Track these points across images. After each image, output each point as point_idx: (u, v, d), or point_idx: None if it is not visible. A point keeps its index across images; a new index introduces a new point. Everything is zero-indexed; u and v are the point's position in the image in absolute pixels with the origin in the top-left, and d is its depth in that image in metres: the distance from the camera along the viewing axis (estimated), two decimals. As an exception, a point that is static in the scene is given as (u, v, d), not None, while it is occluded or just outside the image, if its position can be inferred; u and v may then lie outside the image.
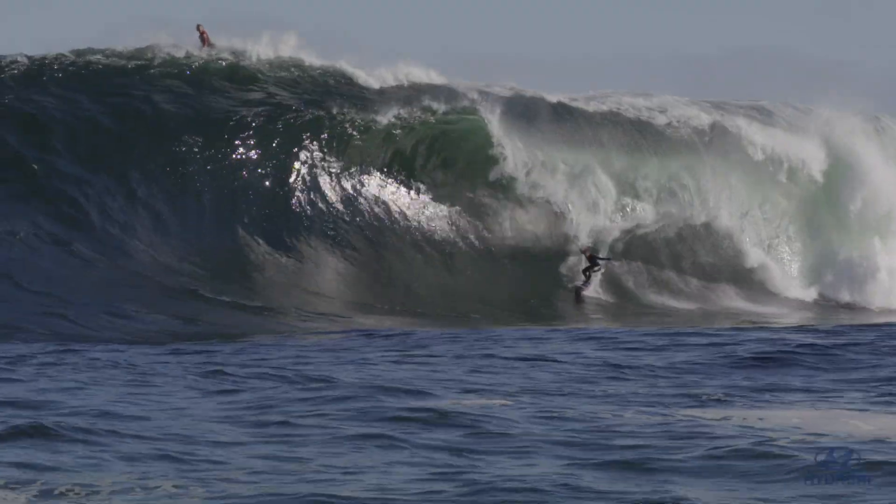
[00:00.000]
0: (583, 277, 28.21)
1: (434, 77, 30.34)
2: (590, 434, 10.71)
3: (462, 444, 10.32)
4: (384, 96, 29.29)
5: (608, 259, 28.65)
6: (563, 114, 31.15)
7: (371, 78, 29.68)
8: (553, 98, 31.43)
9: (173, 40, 29.16)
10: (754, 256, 31.35)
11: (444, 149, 29.23)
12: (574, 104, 31.73)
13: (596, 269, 28.23)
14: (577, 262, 28.47)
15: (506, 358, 15.77)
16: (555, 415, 11.55)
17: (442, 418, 11.22)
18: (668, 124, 32.37)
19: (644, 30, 78.55)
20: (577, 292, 28.04)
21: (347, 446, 10.17)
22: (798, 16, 78.52)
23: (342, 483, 8.99)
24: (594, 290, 28.29)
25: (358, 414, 11.44)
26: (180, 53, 28.90)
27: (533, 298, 27.28)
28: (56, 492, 8.68)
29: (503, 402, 12.31)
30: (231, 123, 27.54)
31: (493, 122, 29.35)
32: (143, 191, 25.84)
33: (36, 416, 10.89)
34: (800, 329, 21.41)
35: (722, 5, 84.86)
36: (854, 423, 11.33)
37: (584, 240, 28.84)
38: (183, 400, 12.22)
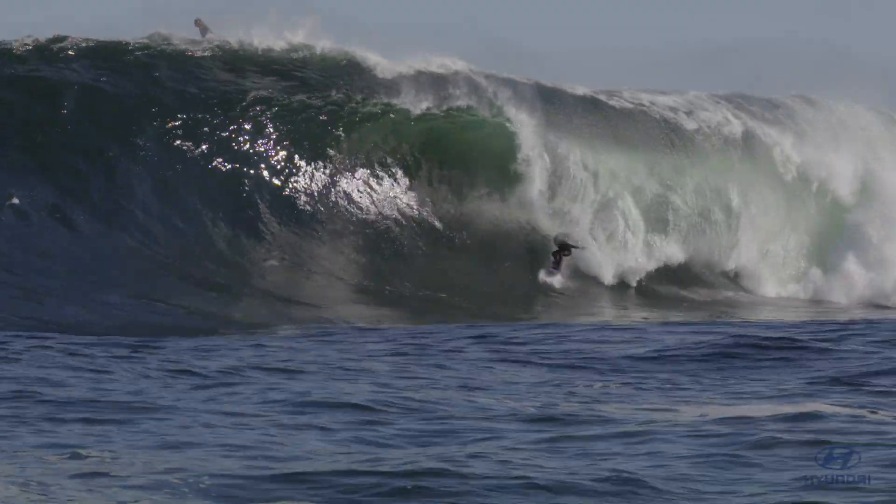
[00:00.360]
0: (552, 259, 27.96)
1: (457, 65, 29.60)
2: (550, 424, 11.22)
3: (426, 430, 10.87)
4: (398, 85, 28.92)
5: (581, 248, 28.32)
6: (590, 113, 30.58)
7: (385, 62, 29.13)
8: (578, 91, 30.91)
9: (173, 31, 28.99)
10: (771, 291, 31.28)
11: (458, 147, 28.90)
12: (599, 98, 31.23)
13: (566, 253, 27.94)
14: (548, 245, 28.26)
15: (471, 354, 16.23)
16: (515, 408, 12.03)
17: (402, 410, 11.76)
18: (698, 130, 31.79)
19: (642, 21, 78.92)
20: (546, 276, 27.77)
21: (313, 433, 10.72)
22: (798, 11, 78.95)
23: (315, 462, 9.57)
24: (568, 278, 28.05)
25: (318, 403, 11.96)
26: (183, 44, 28.85)
27: (521, 298, 27.16)
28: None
29: (467, 396, 12.80)
30: (236, 106, 27.59)
31: (520, 124, 28.86)
32: (145, 168, 26.02)
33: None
34: (775, 324, 21.80)
35: (721, 6, 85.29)
36: (832, 412, 11.83)
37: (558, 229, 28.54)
38: (147, 392, 12.67)
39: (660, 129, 31.51)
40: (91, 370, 13.86)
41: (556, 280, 27.91)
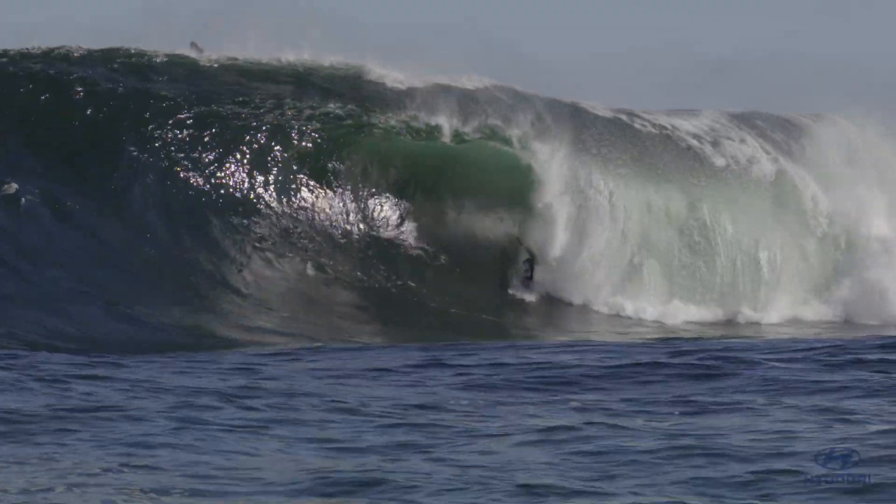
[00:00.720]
0: (524, 268, 27.66)
1: (473, 81, 29.24)
2: (505, 438, 11.92)
3: (384, 443, 11.56)
4: (408, 100, 28.78)
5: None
6: (615, 140, 29.84)
7: (394, 75, 28.99)
8: (599, 112, 30.41)
9: (170, 46, 29.36)
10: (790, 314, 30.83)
11: (470, 174, 28.69)
12: (621, 118, 30.65)
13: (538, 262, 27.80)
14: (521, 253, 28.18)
15: (436, 373, 16.81)
16: (476, 426, 12.66)
17: (360, 427, 12.44)
18: (727, 168, 30.95)
19: (640, 22, 79.05)
20: (520, 288, 27.50)
21: (273, 444, 11.42)
22: (798, 12, 79.14)
23: (275, 467, 10.32)
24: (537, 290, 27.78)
25: (279, 420, 12.64)
26: (181, 51, 29.34)
27: (500, 315, 27.02)
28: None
29: (429, 415, 13.41)
30: (237, 113, 27.94)
31: (545, 162, 28.47)
32: (138, 170, 26.39)
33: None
34: (753, 344, 22.22)
35: (720, 7, 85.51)
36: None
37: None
38: (111, 408, 13.25)
39: (686, 165, 30.68)
40: (57, 391, 14.27)
41: (531, 292, 27.63)
